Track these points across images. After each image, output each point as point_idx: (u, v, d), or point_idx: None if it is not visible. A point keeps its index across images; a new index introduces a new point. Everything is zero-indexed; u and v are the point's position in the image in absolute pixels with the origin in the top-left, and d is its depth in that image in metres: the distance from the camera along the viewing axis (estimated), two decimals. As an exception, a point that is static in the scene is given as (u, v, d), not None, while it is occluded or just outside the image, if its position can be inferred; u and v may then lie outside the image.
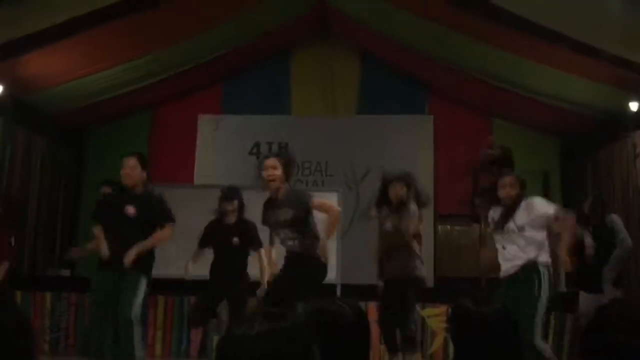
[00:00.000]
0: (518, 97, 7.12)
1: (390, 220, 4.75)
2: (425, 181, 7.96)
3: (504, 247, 4.23)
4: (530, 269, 4.06)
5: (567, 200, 7.67)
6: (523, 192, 4.26)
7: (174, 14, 6.21)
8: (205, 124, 8.42)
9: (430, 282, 7.12)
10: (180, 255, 5.43)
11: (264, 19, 7.24)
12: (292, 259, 4.15)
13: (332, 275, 6.68)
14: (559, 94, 6.74)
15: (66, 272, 7.31)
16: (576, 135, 7.59)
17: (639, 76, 5.61)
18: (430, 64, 7.64)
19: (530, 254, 4.09)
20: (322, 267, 4.16)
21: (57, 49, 6.03)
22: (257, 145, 8.31)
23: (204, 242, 5.24)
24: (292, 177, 4.30)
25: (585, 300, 5.09)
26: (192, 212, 5.56)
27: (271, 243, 4.41)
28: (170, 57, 7.21)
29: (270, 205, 4.24)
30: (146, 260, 4.37)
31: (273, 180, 4.11)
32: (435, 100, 8.30)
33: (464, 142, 8.06)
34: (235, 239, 5.10)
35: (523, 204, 4.20)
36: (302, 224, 4.13)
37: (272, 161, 4.17)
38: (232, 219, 5.21)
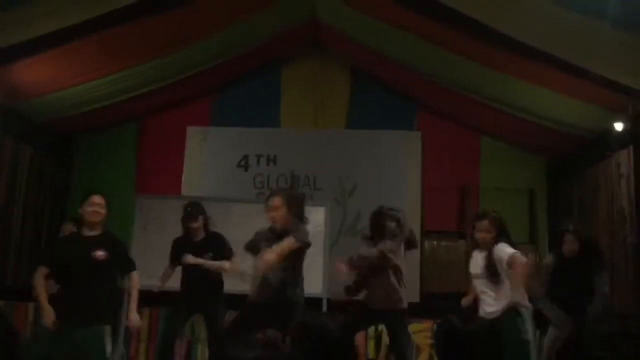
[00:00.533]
0: (506, 116, 7.19)
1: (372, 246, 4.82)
2: (413, 196, 8.03)
3: (482, 292, 4.36)
4: (512, 313, 4.16)
5: (552, 218, 7.74)
6: (502, 233, 4.35)
7: (164, 25, 6.22)
8: (194, 135, 8.40)
9: (415, 298, 7.13)
10: (165, 267, 5.40)
11: (255, 32, 7.28)
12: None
13: (318, 289, 6.70)
14: (547, 113, 6.81)
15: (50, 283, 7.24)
16: (563, 154, 7.66)
17: (625, 97, 5.69)
18: (419, 81, 7.70)
19: (508, 298, 4.18)
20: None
21: (46, 58, 6.01)
22: (245, 157, 8.31)
23: (174, 259, 5.22)
24: (300, 214, 4.37)
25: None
26: (179, 223, 5.53)
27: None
28: (160, 68, 7.20)
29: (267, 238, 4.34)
30: (111, 307, 4.20)
31: (275, 222, 4.29)
32: (424, 116, 8.36)
33: (452, 159, 8.14)
34: (208, 255, 5.07)
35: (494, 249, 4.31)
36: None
37: (275, 200, 4.32)
38: (200, 234, 5.19)
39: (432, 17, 5.85)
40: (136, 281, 4.24)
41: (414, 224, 7.82)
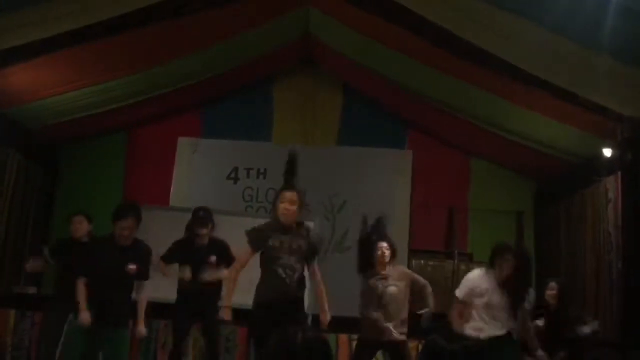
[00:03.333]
0: (497, 138, 7.24)
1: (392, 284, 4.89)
2: (401, 215, 8.03)
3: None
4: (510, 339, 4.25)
5: (539, 241, 7.77)
6: None
7: (157, 36, 6.22)
8: (184, 146, 8.38)
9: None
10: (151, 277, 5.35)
11: (249, 47, 7.29)
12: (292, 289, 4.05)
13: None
14: (537, 137, 6.86)
15: (32, 290, 7.16)
16: (551, 178, 7.71)
17: (615, 123, 5.75)
18: (411, 101, 7.74)
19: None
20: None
21: (37, 65, 5.98)
22: (235, 170, 8.29)
23: (170, 259, 5.21)
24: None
25: None
26: (166, 234, 5.49)
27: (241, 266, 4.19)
28: (152, 78, 7.19)
29: (277, 230, 4.11)
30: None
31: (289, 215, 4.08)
32: (415, 136, 8.39)
33: (441, 179, 8.16)
34: (213, 257, 5.09)
35: None
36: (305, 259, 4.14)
37: (290, 194, 4.13)
38: (205, 240, 5.20)
39: (426, 38, 5.89)
40: (147, 291, 4.51)
41: (401, 242, 7.87)
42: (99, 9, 5.56)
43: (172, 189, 8.20)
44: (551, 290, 5.06)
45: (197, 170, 8.26)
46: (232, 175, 8.26)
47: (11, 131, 7.05)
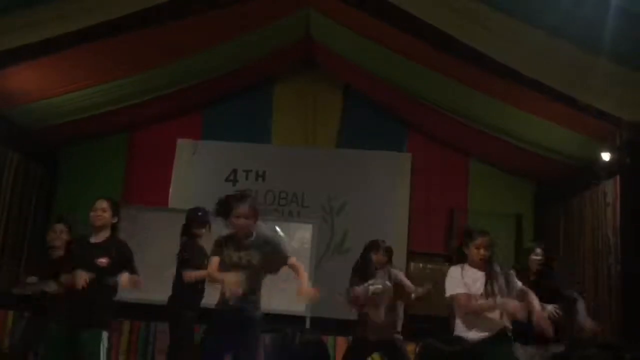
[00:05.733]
0: (496, 141, 7.24)
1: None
2: (400, 217, 8.04)
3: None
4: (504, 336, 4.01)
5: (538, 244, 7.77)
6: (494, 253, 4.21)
7: (158, 38, 6.23)
8: (184, 148, 8.38)
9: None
10: (149, 278, 5.34)
11: (249, 48, 7.30)
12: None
13: (301, 308, 6.66)
14: (537, 140, 6.87)
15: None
16: (550, 181, 7.71)
17: (613, 127, 5.75)
18: (411, 103, 7.74)
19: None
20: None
21: (37, 66, 5.99)
22: (234, 172, 8.29)
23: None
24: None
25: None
26: (164, 235, 5.49)
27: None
28: (153, 79, 7.20)
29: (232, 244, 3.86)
30: (109, 312, 4.14)
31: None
32: (415, 138, 8.40)
33: (441, 181, 8.17)
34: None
35: None
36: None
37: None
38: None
39: (426, 40, 5.90)
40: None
41: (400, 245, 7.89)
42: (99, 10, 5.57)
43: (171, 190, 8.20)
44: (536, 255, 4.88)
45: (196, 172, 8.25)
46: (231, 178, 8.26)
47: (11, 132, 7.06)
